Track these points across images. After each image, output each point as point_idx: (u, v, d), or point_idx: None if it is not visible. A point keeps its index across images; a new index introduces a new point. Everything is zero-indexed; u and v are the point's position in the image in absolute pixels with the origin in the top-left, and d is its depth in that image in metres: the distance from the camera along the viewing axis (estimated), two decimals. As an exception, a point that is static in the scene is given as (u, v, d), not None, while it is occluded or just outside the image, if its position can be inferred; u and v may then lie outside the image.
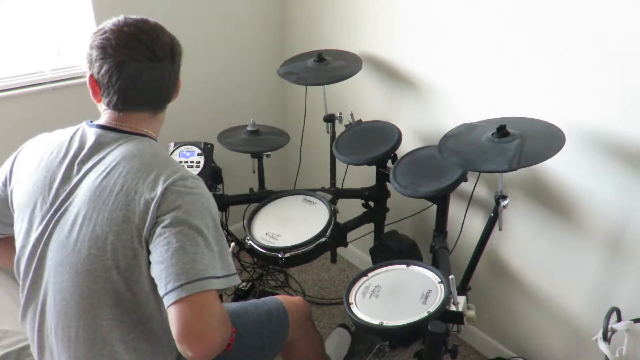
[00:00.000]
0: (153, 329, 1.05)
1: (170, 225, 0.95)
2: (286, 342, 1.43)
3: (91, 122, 1.11)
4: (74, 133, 1.10)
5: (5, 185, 1.16)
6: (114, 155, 1.04)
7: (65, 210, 1.03)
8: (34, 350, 1.14)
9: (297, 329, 1.44)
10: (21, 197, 1.09)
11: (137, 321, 1.03)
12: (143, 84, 1.05)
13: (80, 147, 1.07)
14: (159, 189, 0.98)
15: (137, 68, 1.03)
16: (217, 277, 0.96)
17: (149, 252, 0.98)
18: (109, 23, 1.05)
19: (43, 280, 1.06)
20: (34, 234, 1.05)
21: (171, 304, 0.91)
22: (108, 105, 1.08)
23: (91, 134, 1.08)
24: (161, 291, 0.93)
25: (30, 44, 1.88)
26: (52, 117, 1.84)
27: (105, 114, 1.11)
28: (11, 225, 1.15)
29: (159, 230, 0.96)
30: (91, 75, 1.07)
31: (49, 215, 1.04)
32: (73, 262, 1.00)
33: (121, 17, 1.06)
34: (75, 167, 1.05)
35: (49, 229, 1.04)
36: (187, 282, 0.91)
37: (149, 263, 0.99)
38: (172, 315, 0.91)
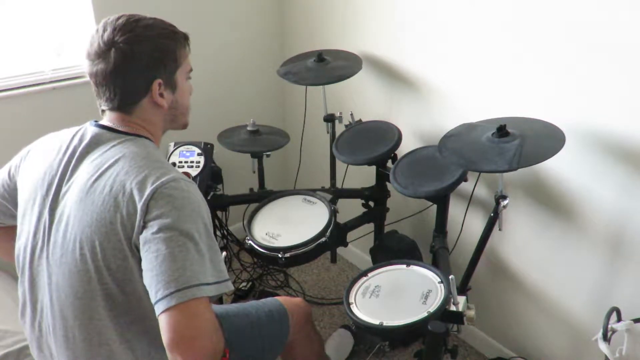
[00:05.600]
0: (148, 329, 1.04)
1: (159, 232, 0.92)
2: (286, 343, 1.42)
3: (95, 121, 1.11)
4: (77, 132, 1.10)
5: (10, 177, 1.17)
6: (107, 156, 1.03)
7: (60, 209, 1.03)
8: (33, 350, 1.13)
9: (297, 331, 1.43)
10: (24, 194, 1.10)
11: (131, 321, 1.02)
12: (100, 84, 1.06)
13: (78, 145, 1.07)
14: (148, 191, 0.96)
15: (98, 69, 1.04)
16: (208, 284, 0.93)
17: (139, 255, 0.97)
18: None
19: (40, 280, 1.06)
20: (32, 231, 1.06)
21: (161, 313, 0.89)
22: (100, 105, 1.10)
23: (90, 133, 1.08)
24: (152, 299, 0.91)
25: (30, 44, 1.88)
26: (52, 117, 1.84)
27: (104, 115, 1.12)
28: (9, 216, 1.18)
29: (147, 236, 0.93)
30: None
31: (46, 213, 1.04)
32: (67, 262, 1.00)
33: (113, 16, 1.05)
34: (71, 165, 1.05)
35: (46, 228, 1.03)
36: (176, 290, 0.89)
37: (140, 265, 0.98)
38: (162, 323, 0.89)
